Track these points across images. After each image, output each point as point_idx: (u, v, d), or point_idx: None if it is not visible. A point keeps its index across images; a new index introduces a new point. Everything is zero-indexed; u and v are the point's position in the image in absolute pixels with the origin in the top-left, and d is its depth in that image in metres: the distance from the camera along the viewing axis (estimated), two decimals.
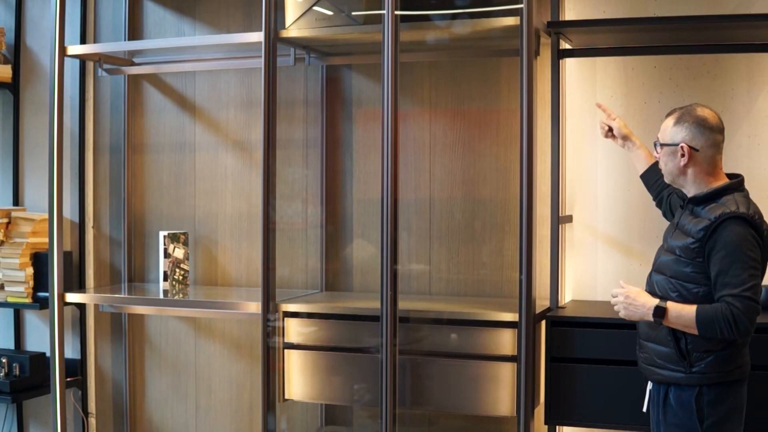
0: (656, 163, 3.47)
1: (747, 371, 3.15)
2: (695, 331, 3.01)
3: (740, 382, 3.13)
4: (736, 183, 3.15)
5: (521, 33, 3.68)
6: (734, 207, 3.02)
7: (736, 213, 3.00)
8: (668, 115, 3.21)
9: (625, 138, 3.67)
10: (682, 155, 3.12)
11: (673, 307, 3.05)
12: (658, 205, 3.61)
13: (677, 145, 3.12)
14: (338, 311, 4.12)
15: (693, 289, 3.06)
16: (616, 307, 3.20)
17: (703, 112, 3.14)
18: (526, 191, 3.69)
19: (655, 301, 3.08)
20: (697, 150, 3.11)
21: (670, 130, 3.15)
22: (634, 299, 3.13)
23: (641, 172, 3.65)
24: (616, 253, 4.24)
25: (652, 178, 3.59)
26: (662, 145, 3.18)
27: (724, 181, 3.14)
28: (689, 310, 3.01)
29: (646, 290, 3.21)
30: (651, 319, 3.08)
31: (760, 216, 3.07)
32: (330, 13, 4.07)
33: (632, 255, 4.22)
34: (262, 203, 4.03)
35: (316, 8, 4.08)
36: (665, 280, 3.15)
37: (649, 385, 3.28)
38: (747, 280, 2.97)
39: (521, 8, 3.67)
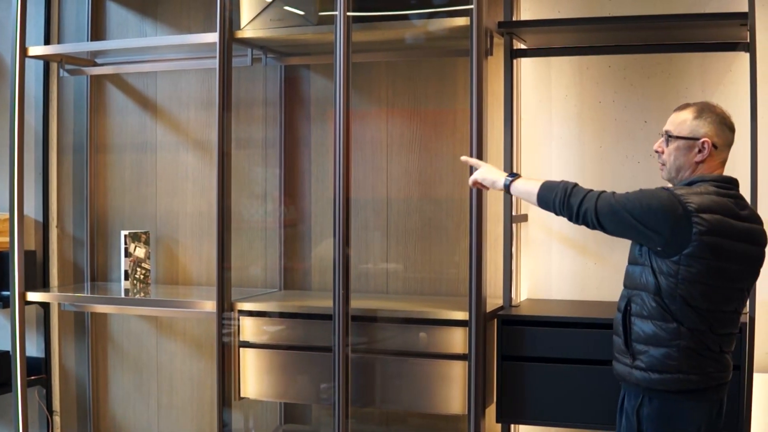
0: None
1: (706, 386, 2.96)
2: (534, 200, 3.09)
3: (689, 396, 2.95)
4: (708, 177, 2.98)
5: (471, 33, 3.70)
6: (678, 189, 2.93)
7: (670, 187, 2.95)
8: (681, 108, 3.05)
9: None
10: (700, 150, 2.98)
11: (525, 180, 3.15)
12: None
13: (698, 139, 2.98)
14: (292, 310, 4.14)
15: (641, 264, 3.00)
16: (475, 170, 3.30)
17: (722, 109, 3.03)
18: (476, 190, 3.70)
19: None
20: (716, 147, 2.98)
21: (691, 123, 2.99)
22: (491, 168, 3.28)
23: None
24: (571, 252, 4.26)
25: None
26: (679, 137, 3.01)
27: None
28: (538, 182, 3.10)
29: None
30: (500, 184, 3.19)
31: (706, 209, 2.85)
32: (301, 12, 4.08)
33: (587, 254, 4.24)
34: (217, 202, 4.06)
35: (271, 8, 4.10)
36: (628, 269, 3.09)
37: None
38: (624, 200, 2.91)
39: (471, 8, 3.69)
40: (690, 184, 2.98)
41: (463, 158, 3.45)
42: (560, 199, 3.01)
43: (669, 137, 3.05)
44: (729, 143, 3.03)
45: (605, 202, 2.95)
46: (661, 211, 2.87)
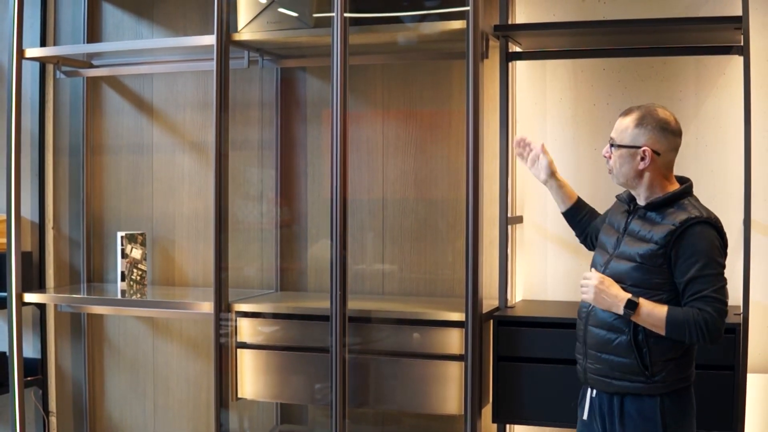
0: (580, 200, 3.46)
1: (694, 373, 3.13)
2: (662, 332, 2.95)
3: (692, 386, 3.11)
4: (690, 187, 3.10)
5: (467, 36, 3.73)
6: (697, 212, 2.98)
7: (702, 218, 2.96)
8: (625, 114, 3.08)
9: (552, 174, 3.49)
10: (642, 158, 3.02)
11: (645, 303, 2.95)
12: (584, 240, 3.53)
13: (639, 147, 3.02)
14: (289, 311, 4.16)
15: (655, 297, 2.98)
16: (584, 289, 3.04)
17: (665, 114, 3.05)
18: (472, 192, 3.74)
19: (628, 295, 2.97)
20: (659, 154, 3.02)
21: (632, 132, 3.03)
22: (608, 287, 2.99)
23: (565, 209, 3.51)
24: (566, 253, 4.29)
25: (578, 214, 3.49)
26: (621, 146, 3.05)
27: (676, 185, 3.09)
28: (660, 310, 2.93)
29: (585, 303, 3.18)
30: (620, 311, 2.96)
31: (719, 220, 3.04)
32: (295, 14, 4.10)
33: (581, 255, 4.24)
34: (214, 203, 4.08)
35: (268, 11, 4.12)
36: (625, 288, 3.03)
37: (591, 393, 3.18)
38: (718, 287, 2.94)
39: (467, 11, 3.71)
40: (674, 199, 3.05)
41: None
42: (696, 338, 2.94)
43: (612, 145, 3.09)
44: (674, 147, 3.08)
45: (723, 311, 2.96)
46: (718, 245, 3.00)
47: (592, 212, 3.51)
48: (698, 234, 2.95)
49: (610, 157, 3.10)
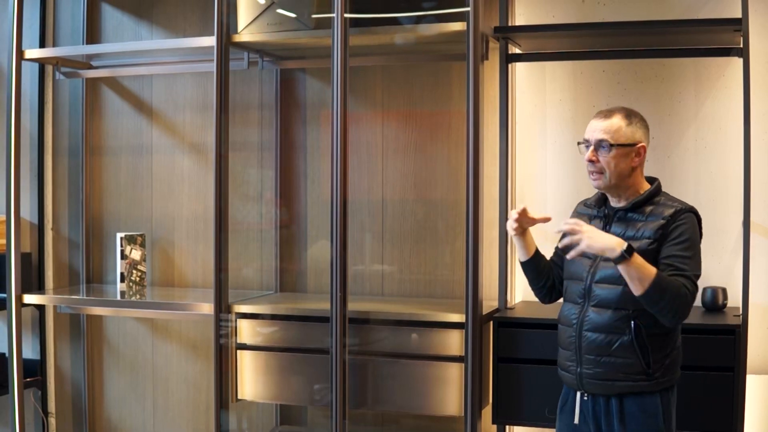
0: (537, 250, 3.35)
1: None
2: (641, 289, 2.87)
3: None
4: (660, 183, 3.15)
5: (467, 37, 3.72)
6: (680, 204, 3.05)
7: (687, 208, 3.05)
8: (607, 115, 3.07)
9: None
10: (637, 155, 3.07)
11: (637, 254, 2.89)
12: (548, 293, 3.44)
13: (635, 145, 3.06)
14: (289, 312, 4.16)
15: None
16: (575, 237, 2.94)
17: (639, 112, 3.14)
18: (472, 194, 3.73)
19: (620, 239, 2.91)
20: (645, 150, 3.11)
21: (627, 130, 3.05)
22: (594, 230, 2.95)
23: (527, 257, 3.34)
24: None
25: (540, 261, 3.37)
26: (619, 145, 3.04)
27: (645, 182, 3.16)
28: (651, 267, 2.89)
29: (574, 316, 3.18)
30: (615, 254, 2.86)
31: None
32: (293, 15, 4.10)
33: None
34: (214, 205, 4.08)
35: (268, 13, 4.12)
36: (621, 290, 3.02)
37: (582, 397, 3.17)
38: (696, 273, 3.00)
39: (467, 13, 3.71)
40: (652, 196, 3.10)
41: (558, 230, 3.06)
42: (669, 308, 2.92)
43: (608, 146, 3.05)
44: (649, 143, 3.17)
45: (695, 295, 3.00)
46: (699, 234, 3.10)
47: (546, 260, 3.43)
48: (685, 219, 3.03)
49: (596, 161, 3.07)
